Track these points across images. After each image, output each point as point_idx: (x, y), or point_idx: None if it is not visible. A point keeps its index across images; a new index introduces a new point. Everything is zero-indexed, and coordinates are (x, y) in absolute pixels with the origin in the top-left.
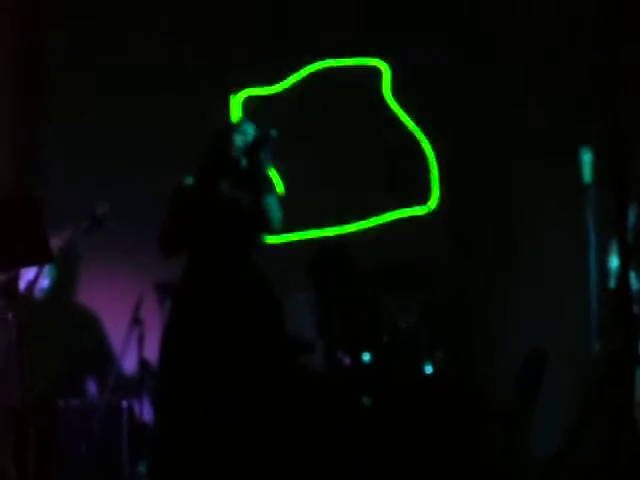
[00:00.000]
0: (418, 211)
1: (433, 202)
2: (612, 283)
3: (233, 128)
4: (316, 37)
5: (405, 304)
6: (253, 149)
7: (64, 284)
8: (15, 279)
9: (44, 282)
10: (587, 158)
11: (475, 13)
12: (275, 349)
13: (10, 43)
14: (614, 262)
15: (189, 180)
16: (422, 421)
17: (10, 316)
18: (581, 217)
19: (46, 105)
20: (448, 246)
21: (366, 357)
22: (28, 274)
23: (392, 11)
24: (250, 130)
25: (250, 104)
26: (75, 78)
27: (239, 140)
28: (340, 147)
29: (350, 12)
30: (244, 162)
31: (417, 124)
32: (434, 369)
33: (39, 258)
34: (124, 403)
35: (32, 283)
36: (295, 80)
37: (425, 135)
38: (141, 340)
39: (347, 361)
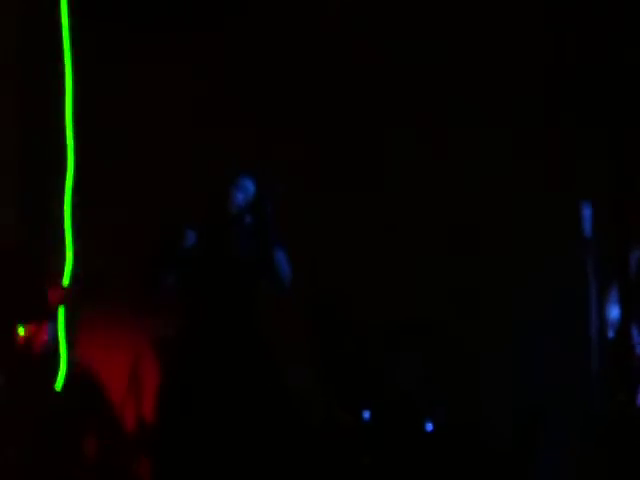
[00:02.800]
0: None
1: None
2: (611, 333)
3: (231, 184)
4: None
5: (405, 361)
6: (259, 205)
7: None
8: (11, 337)
9: (44, 337)
10: (587, 212)
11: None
12: (274, 404)
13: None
14: (614, 312)
15: (190, 237)
16: (422, 478)
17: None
18: (581, 269)
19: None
20: None
21: (366, 415)
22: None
23: None
24: (250, 186)
25: None
26: None
27: (239, 197)
28: None
29: None
30: (249, 218)
31: None
32: (435, 426)
33: (38, 314)
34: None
35: (31, 339)
36: None
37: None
38: (139, 398)
39: (347, 419)
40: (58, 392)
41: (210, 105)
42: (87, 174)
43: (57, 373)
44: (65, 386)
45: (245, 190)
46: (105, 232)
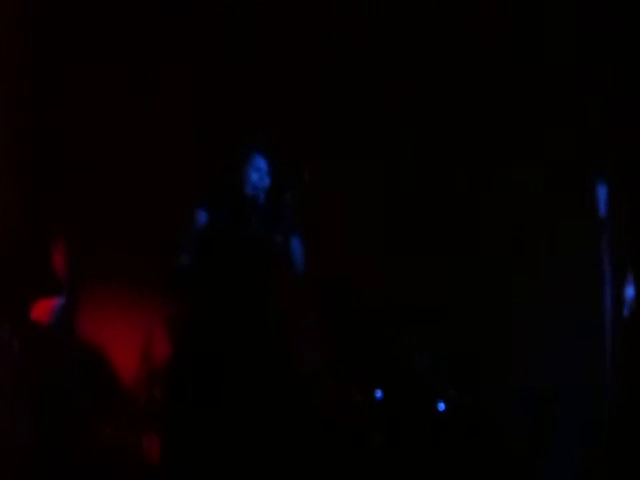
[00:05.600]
0: None
1: None
2: (626, 312)
3: (245, 162)
4: None
5: (418, 342)
6: (278, 190)
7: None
8: (21, 311)
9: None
10: (602, 192)
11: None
12: (285, 384)
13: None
14: (630, 292)
15: (202, 216)
16: (434, 459)
17: (15, 345)
18: (595, 249)
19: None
20: None
21: (378, 394)
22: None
23: None
24: (263, 164)
25: None
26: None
27: (254, 177)
28: None
29: None
30: (262, 199)
31: None
32: (447, 406)
33: (48, 289)
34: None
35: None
36: None
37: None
38: (151, 376)
39: (359, 398)
40: (66, 367)
41: (225, 84)
42: (99, 153)
43: (65, 348)
44: (73, 361)
45: (259, 169)
46: (116, 212)
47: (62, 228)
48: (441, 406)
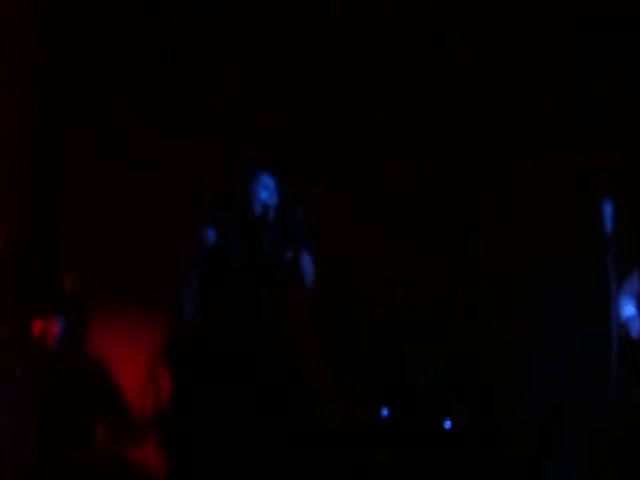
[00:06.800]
0: None
1: None
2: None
3: (253, 180)
4: None
5: (424, 359)
6: (289, 207)
7: (74, 333)
8: (24, 332)
9: (55, 330)
10: (608, 210)
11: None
12: (291, 401)
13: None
14: (627, 311)
15: (210, 234)
16: (441, 476)
17: (19, 371)
18: (601, 268)
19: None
20: None
21: (384, 412)
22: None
23: None
24: (270, 182)
25: None
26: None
27: (263, 194)
28: None
29: None
30: (272, 216)
31: None
32: (453, 424)
33: (51, 308)
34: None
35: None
36: None
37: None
38: (157, 396)
39: (365, 416)
40: (69, 382)
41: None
42: (109, 167)
43: (68, 364)
44: (77, 376)
45: (267, 187)
46: (124, 228)
47: (68, 246)
48: (448, 424)
